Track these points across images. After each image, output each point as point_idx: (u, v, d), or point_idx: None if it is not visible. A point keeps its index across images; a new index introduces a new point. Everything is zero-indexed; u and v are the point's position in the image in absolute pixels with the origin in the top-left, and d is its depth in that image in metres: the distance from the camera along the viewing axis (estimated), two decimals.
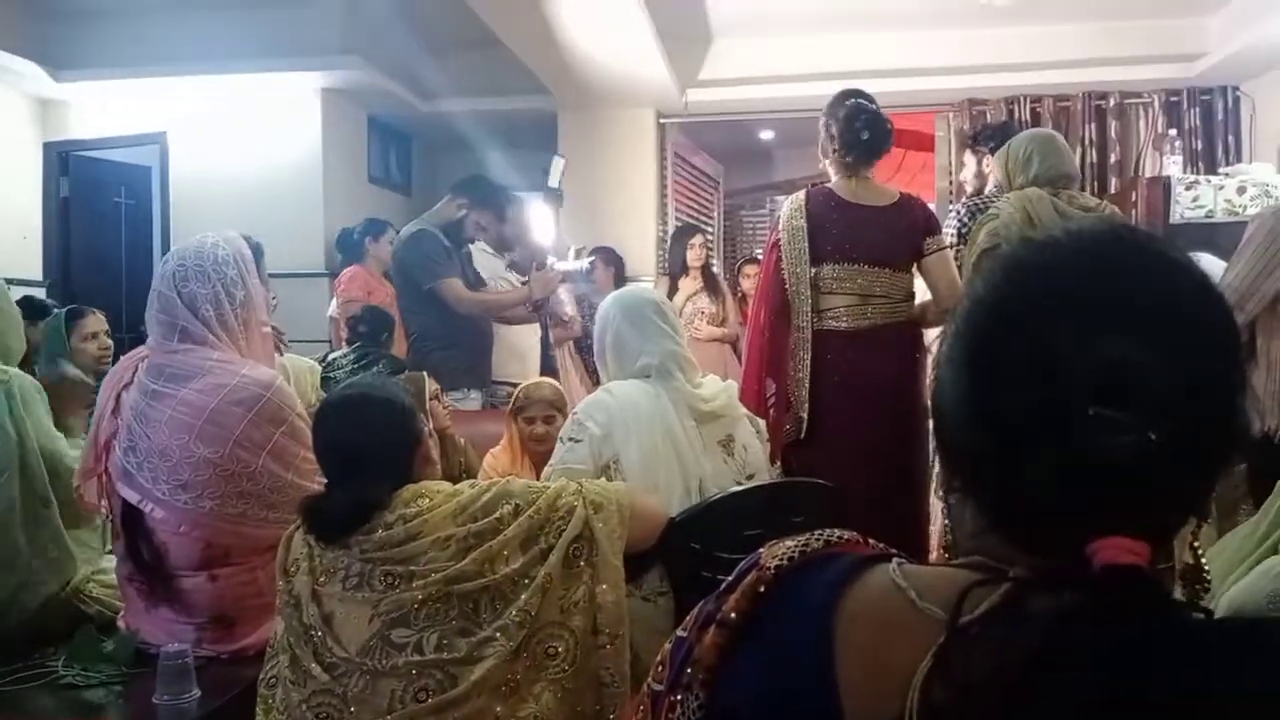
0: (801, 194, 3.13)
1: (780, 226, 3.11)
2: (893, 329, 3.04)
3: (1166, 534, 0.70)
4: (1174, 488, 0.66)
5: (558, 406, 2.94)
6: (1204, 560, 0.76)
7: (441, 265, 3.96)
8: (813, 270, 3.03)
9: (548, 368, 4.51)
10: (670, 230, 6.29)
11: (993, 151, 3.85)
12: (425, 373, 3.34)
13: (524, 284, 4.25)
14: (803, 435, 3.02)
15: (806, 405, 3.01)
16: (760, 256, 6.49)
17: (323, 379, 3.16)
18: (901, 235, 3.08)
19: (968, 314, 0.73)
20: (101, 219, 6.82)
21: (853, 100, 3.10)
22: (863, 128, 3.05)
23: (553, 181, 4.36)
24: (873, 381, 3.00)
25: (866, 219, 3.05)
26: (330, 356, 3.74)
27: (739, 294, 6.16)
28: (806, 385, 3.02)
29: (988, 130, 4.17)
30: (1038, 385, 0.66)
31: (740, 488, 2.21)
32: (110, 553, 2.32)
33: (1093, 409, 0.63)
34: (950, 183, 5.91)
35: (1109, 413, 0.63)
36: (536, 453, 2.89)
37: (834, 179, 3.13)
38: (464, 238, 4.19)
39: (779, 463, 3.01)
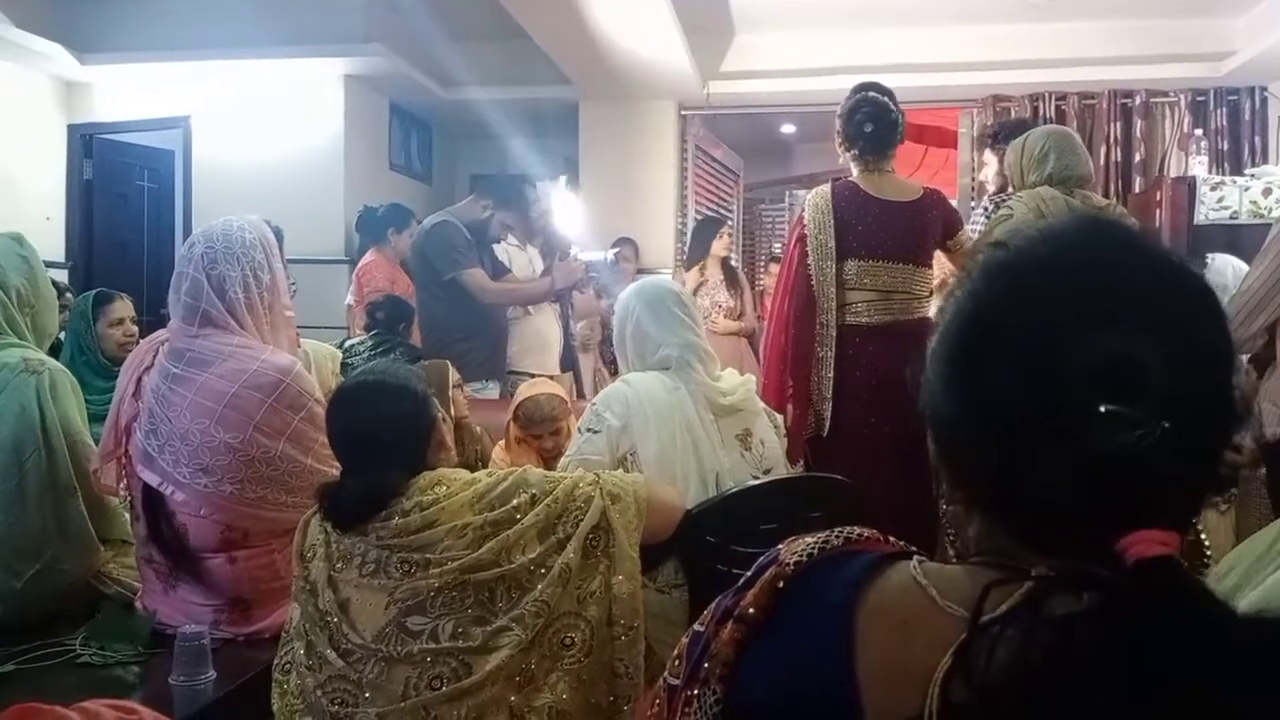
0: (826, 188, 3.11)
1: (805, 221, 3.09)
2: (914, 324, 3.03)
3: (1187, 519, 0.70)
4: (1190, 473, 0.66)
5: (560, 416, 2.92)
6: (1204, 536, 0.76)
7: (463, 255, 3.97)
8: (837, 266, 3.02)
9: (569, 359, 4.51)
10: (690, 223, 6.28)
11: (992, 146, 3.79)
12: (447, 362, 3.35)
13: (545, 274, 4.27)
14: (825, 432, 3.02)
15: (830, 402, 3.00)
16: (777, 254, 6.50)
17: (341, 365, 3.17)
18: (924, 231, 3.07)
19: (956, 328, 0.73)
20: (124, 202, 6.87)
21: (859, 94, 3.08)
22: (864, 120, 3.03)
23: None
24: (894, 377, 2.98)
25: (890, 214, 3.04)
26: (348, 343, 3.75)
27: (758, 289, 6.15)
28: (830, 381, 3.01)
29: (1008, 128, 4.10)
30: (1044, 389, 0.66)
31: (757, 481, 2.20)
32: (126, 541, 2.32)
33: (1104, 406, 0.63)
34: (972, 180, 5.87)
35: (1120, 408, 0.63)
36: (547, 458, 2.89)
37: (855, 173, 3.12)
38: (490, 238, 4.20)
39: (801, 460, 3.01)
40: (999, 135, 3.99)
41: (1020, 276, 0.71)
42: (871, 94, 3.08)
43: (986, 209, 3.63)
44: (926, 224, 3.07)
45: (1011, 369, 0.68)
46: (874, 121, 3.04)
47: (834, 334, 3.02)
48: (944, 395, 0.73)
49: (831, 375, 3.01)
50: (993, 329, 0.71)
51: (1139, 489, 0.63)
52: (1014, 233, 0.75)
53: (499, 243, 4.27)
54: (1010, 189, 3.52)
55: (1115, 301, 0.67)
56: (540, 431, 2.91)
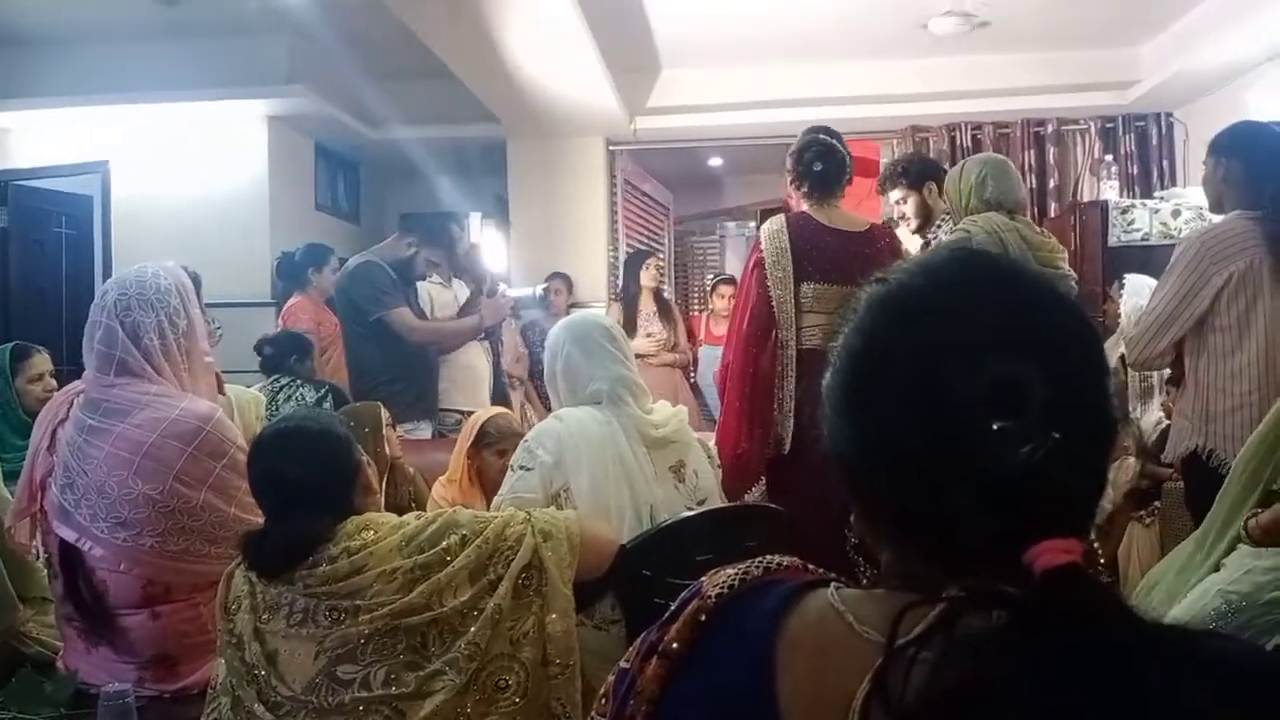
0: (781, 218, 3.22)
1: (762, 248, 3.16)
2: None
3: (1088, 524, 0.73)
4: (1083, 479, 0.68)
5: (521, 431, 2.92)
6: (1094, 543, 0.79)
7: (389, 295, 3.93)
8: (795, 289, 3.09)
9: (500, 395, 4.48)
10: (622, 256, 6.31)
11: (912, 182, 3.79)
12: (380, 403, 3.29)
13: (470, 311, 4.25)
14: (786, 451, 3.05)
15: (791, 421, 3.04)
16: (724, 276, 6.57)
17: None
18: (875, 259, 3.15)
19: (847, 362, 0.76)
20: (41, 250, 6.68)
21: (810, 135, 3.20)
22: (814, 159, 3.15)
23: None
24: None
25: (842, 242, 3.14)
26: (253, 390, 3.63)
27: (708, 311, 6.25)
28: (792, 403, 3.05)
29: (914, 165, 4.02)
30: (934, 414, 0.68)
31: (691, 513, 2.20)
32: (46, 598, 2.25)
33: (996, 425, 0.65)
34: (892, 218, 5.96)
35: (1011, 425, 0.65)
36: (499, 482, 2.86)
37: (806, 206, 3.22)
38: (414, 276, 4.17)
39: (762, 480, 3.04)
40: (909, 170, 3.96)
41: (902, 308, 0.74)
42: (822, 135, 3.22)
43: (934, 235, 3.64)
44: (876, 252, 3.17)
45: (901, 397, 0.70)
46: (822, 160, 3.16)
47: (794, 355, 3.08)
48: (842, 430, 0.75)
49: (793, 396, 3.05)
50: (880, 361, 0.73)
51: (1039, 501, 0.65)
52: (893, 268, 0.77)
53: (424, 279, 4.24)
54: (941, 219, 3.58)
55: (993, 326, 0.70)
56: (507, 446, 2.88)
